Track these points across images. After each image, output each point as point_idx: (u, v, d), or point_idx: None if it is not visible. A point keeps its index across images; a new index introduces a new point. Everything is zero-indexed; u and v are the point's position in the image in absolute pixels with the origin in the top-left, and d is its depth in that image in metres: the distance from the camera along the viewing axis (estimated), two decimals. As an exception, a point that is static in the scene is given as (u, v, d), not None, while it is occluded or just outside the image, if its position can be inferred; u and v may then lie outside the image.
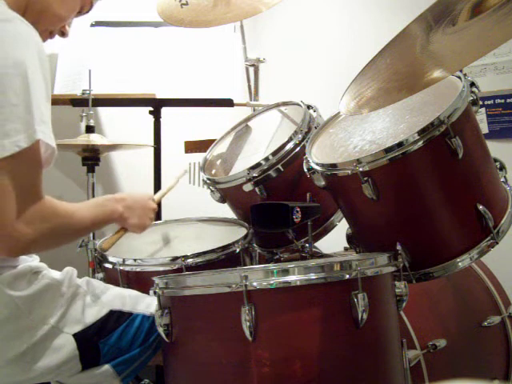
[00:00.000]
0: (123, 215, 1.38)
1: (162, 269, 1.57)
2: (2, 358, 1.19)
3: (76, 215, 1.22)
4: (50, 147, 1.15)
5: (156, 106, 2.24)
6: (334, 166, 1.40)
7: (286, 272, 1.13)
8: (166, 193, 1.72)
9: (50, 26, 1.30)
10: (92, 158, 2.12)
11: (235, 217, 1.91)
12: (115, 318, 1.33)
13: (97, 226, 1.33)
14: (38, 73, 1.13)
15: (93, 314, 1.30)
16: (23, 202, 1.10)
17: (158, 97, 2.33)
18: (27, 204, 1.11)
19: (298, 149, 1.68)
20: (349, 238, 1.57)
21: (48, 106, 1.16)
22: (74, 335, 1.26)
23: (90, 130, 2.08)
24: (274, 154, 1.68)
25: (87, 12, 1.37)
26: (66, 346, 1.25)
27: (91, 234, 2.03)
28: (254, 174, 1.68)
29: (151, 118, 2.25)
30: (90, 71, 2.09)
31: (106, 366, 1.30)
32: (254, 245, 1.78)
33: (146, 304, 1.37)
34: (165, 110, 2.26)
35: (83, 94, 2.09)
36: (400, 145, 1.30)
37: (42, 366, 1.23)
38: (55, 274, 1.31)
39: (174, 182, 1.78)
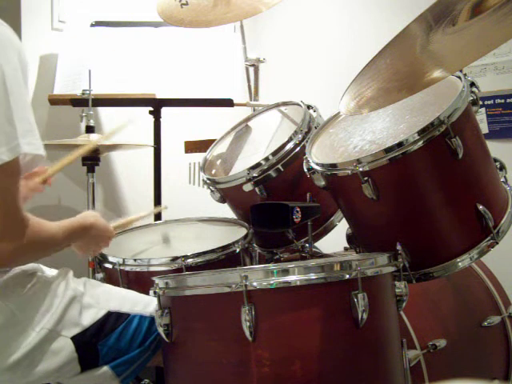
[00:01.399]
0: (83, 243, 1.39)
1: (161, 269, 1.57)
2: (1, 364, 1.18)
3: (52, 232, 1.20)
4: (37, 156, 1.11)
5: (156, 106, 2.24)
6: (333, 166, 1.40)
7: (285, 272, 1.13)
8: (126, 223, 1.66)
9: None
10: (92, 157, 2.12)
11: (235, 217, 1.91)
12: (113, 319, 1.32)
13: (62, 245, 1.29)
14: (18, 79, 1.08)
15: (90, 315, 1.29)
16: (5, 215, 1.08)
17: (158, 97, 2.32)
18: (9, 218, 1.08)
19: (297, 149, 1.68)
20: (349, 238, 1.57)
21: (31, 111, 1.11)
22: (72, 338, 1.25)
23: (90, 130, 2.08)
24: (274, 154, 1.68)
25: None
26: (64, 349, 1.24)
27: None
28: (254, 174, 1.68)
29: (151, 118, 2.25)
30: (89, 71, 2.09)
31: (105, 368, 1.29)
32: (254, 245, 1.78)
33: (143, 304, 1.37)
34: (165, 110, 2.25)
35: (83, 94, 2.09)
36: (400, 145, 1.30)
37: (41, 370, 1.22)
38: (50, 275, 1.30)
39: (144, 214, 1.74)
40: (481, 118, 2.33)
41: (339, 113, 1.62)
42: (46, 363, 1.22)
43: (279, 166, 1.68)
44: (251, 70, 2.45)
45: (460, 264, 1.38)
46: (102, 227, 1.40)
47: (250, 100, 2.43)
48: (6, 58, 1.06)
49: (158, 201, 2.19)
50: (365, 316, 1.13)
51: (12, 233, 1.09)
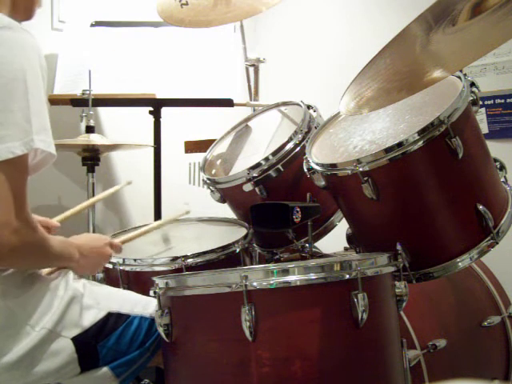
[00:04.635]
0: (78, 262, 1.33)
1: (162, 269, 1.57)
2: (0, 364, 1.18)
3: (50, 241, 1.19)
4: (48, 154, 1.15)
5: (156, 106, 2.24)
6: (334, 165, 1.40)
7: (286, 272, 1.13)
8: (133, 237, 1.62)
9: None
10: (92, 157, 2.12)
11: (235, 217, 1.91)
12: (113, 320, 1.32)
13: (59, 261, 1.27)
14: (38, 80, 1.13)
15: (91, 316, 1.29)
16: (12, 208, 1.09)
17: (158, 97, 2.32)
18: (15, 211, 1.09)
19: (298, 149, 1.68)
20: (349, 238, 1.57)
21: (47, 111, 1.16)
22: (73, 339, 1.25)
23: (90, 130, 2.08)
24: (274, 153, 1.68)
25: None
26: (64, 349, 1.24)
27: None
28: (254, 174, 1.68)
29: (151, 118, 2.25)
30: (90, 71, 2.10)
31: (105, 369, 1.29)
32: (254, 245, 1.78)
33: (143, 305, 1.37)
34: (165, 110, 2.25)
35: (83, 94, 2.09)
36: (400, 145, 1.30)
37: (41, 371, 1.21)
38: (50, 276, 1.29)
39: (153, 226, 1.70)
40: (481, 117, 2.33)
41: (339, 113, 1.62)
42: (45, 363, 1.22)
43: (279, 165, 1.68)
44: (251, 69, 2.46)
45: (460, 264, 1.38)
46: (93, 241, 1.38)
47: (250, 100, 2.43)
48: (29, 62, 1.13)
49: (157, 201, 2.19)
50: (365, 316, 1.13)
51: (16, 225, 1.09)
